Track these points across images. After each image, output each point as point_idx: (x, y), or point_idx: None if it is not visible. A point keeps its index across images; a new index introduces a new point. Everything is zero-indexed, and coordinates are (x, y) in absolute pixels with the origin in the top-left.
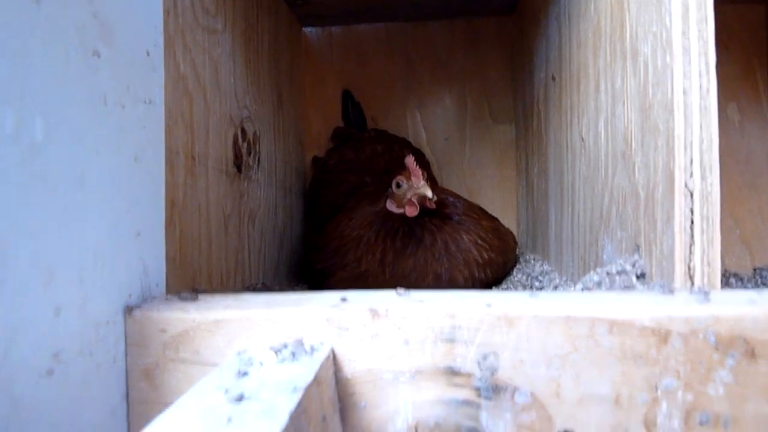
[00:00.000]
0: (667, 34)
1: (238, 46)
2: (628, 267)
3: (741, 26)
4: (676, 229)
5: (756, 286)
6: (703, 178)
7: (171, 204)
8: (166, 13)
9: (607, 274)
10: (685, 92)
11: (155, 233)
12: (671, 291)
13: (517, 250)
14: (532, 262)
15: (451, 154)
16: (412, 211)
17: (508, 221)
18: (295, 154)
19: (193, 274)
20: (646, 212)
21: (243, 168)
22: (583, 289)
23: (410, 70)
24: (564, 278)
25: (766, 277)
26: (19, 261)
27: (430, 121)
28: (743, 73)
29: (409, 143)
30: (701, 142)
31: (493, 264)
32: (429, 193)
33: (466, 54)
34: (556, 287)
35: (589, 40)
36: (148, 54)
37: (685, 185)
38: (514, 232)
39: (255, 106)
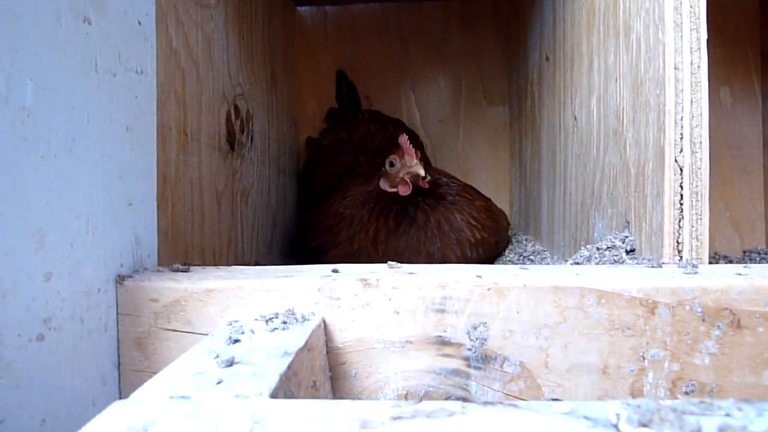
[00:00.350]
0: (659, 10)
1: (231, 22)
2: (618, 242)
3: (735, 10)
4: (666, 203)
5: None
6: (692, 153)
7: (163, 178)
8: None
9: (597, 249)
10: (676, 68)
11: (147, 204)
12: (659, 264)
13: (510, 230)
14: (524, 242)
15: (445, 135)
16: (405, 190)
17: (501, 203)
18: (289, 134)
19: (186, 249)
20: (637, 188)
21: (236, 145)
22: (573, 264)
23: (405, 51)
24: (555, 257)
25: (755, 260)
26: (9, 225)
27: (424, 103)
28: (736, 57)
29: (403, 124)
30: (691, 117)
31: (485, 243)
32: (421, 172)
33: (461, 35)
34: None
35: (583, 18)
36: (139, 23)
37: (675, 160)
38: (507, 214)
39: (248, 84)
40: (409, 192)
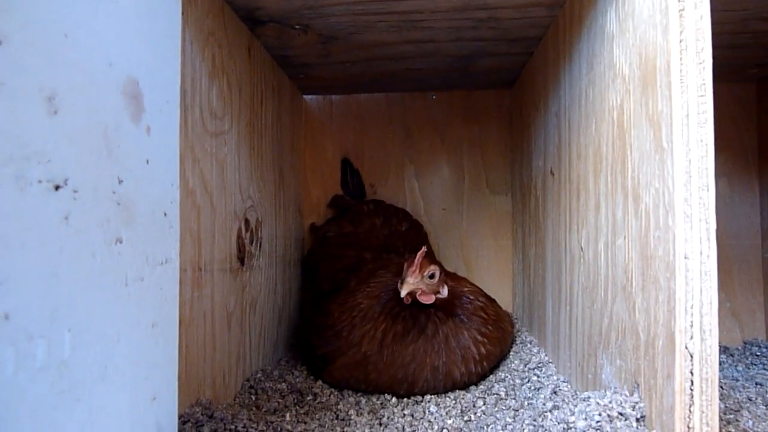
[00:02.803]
0: (669, 197)
1: (243, 138)
2: (629, 410)
3: (733, 103)
4: (677, 388)
5: (746, 358)
6: (702, 340)
7: (179, 323)
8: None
9: (609, 416)
10: (686, 257)
11: (170, 392)
12: None
13: (515, 328)
14: (529, 345)
15: (447, 223)
16: (407, 299)
17: (504, 291)
18: (295, 225)
19: (198, 385)
20: (646, 356)
21: (246, 259)
22: None
23: (409, 140)
24: (562, 377)
25: (755, 352)
26: None
27: (427, 191)
28: (735, 149)
29: (408, 214)
30: (701, 306)
31: (490, 356)
32: (402, 292)
33: (465, 125)
34: (555, 391)
35: (590, 158)
36: (165, 215)
37: (686, 347)
38: (510, 301)
39: (258, 192)
40: (408, 302)
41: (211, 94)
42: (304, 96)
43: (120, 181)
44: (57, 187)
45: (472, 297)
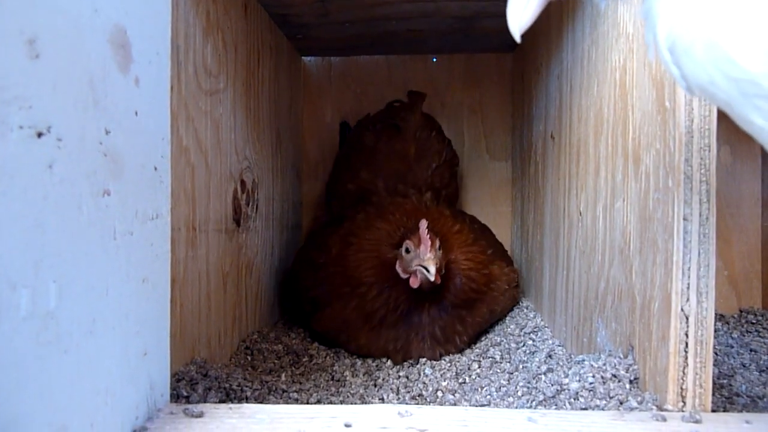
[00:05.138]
0: (670, 158)
1: (239, 98)
2: (622, 371)
3: None
4: (671, 350)
5: (741, 326)
6: (699, 303)
7: (172, 282)
8: (170, 89)
9: (602, 378)
10: (685, 219)
11: (161, 348)
12: (663, 418)
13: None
14: (525, 310)
15: None
16: (414, 282)
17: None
18: (292, 188)
19: (193, 344)
20: (642, 319)
21: (242, 220)
22: (577, 396)
23: None
24: (557, 341)
25: (750, 320)
26: (33, 426)
27: None
28: None
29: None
30: (699, 268)
31: (477, 325)
32: (432, 272)
33: (465, 89)
34: (549, 355)
35: (591, 119)
36: (155, 169)
37: (681, 309)
38: None
39: (254, 153)
40: (417, 285)
41: (205, 51)
42: (303, 57)
43: (107, 132)
44: (40, 134)
45: (464, 277)
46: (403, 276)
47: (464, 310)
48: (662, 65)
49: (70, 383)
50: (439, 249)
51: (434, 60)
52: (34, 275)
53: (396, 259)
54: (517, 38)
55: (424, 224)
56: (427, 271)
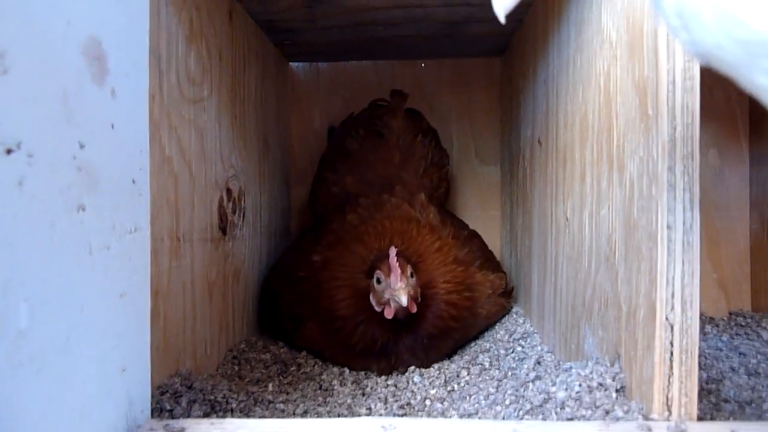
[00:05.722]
0: (653, 166)
1: (225, 105)
2: (609, 380)
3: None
4: (656, 360)
5: (730, 329)
6: (683, 311)
7: (155, 293)
8: (151, 98)
9: (588, 387)
10: (669, 227)
11: (141, 363)
12: (649, 428)
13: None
14: (515, 316)
15: None
16: (389, 313)
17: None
18: (280, 195)
19: (177, 355)
20: (627, 327)
21: (228, 229)
22: (564, 405)
23: None
24: (546, 348)
25: (740, 322)
26: None
27: None
28: (725, 119)
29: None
30: (683, 276)
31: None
32: (403, 300)
33: (454, 93)
34: (538, 362)
35: (576, 125)
36: (134, 182)
37: (666, 318)
38: None
39: (240, 160)
40: (391, 316)
41: (188, 59)
42: (290, 63)
43: (81, 146)
44: (9, 151)
45: (443, 302)
46: (377, 309)
47: (440, 339)
48: (670, 32)
49: (44, 403)
50: (412, 276)
51: (423, 65)
52: (2, 295)
53: (369, 289)
54: (502, 19)
55: (393, 252)
56: (400, 303)
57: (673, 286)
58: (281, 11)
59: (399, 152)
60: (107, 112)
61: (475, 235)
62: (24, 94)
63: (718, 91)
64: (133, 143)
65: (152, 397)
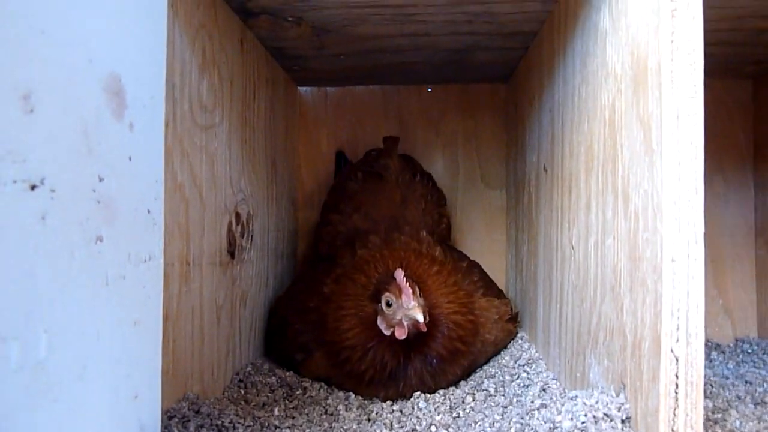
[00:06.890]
0: (658, 199)
1: (235, 131)
2: (614, 410)
3: (729, 99)
4: (662, 391)
5: (736, 356)
6: (688, 344)
7: (165, 319)
8: (165, 126)
9: (594, 417)
10: (673, 260)
11: (153, 391)
12: None
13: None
14: (520, 342)
15: None
16: (401, 333)
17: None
18: (288, 218)
19: (185, 380)
20: (633, 358)
21: (236, 252)
22: None
23: (404, 133)
24: (551, 375)
25: (746, 349)
26: None
27: None
28: (730, 145)
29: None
30: (687, 309)
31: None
32: (419, 317)
33: (460, 118)
34: (543, 389)
35: (582, 156)
36: (149, 212)
37: (671, 350)
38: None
39: (249, 185)
40: (404, 336)
41: (201, 86)
42: (299, 88)
43: (101, 179)
44: (33, 187)
45: (450, 323)
46: (387, 332)
47: (449, 362)
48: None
49: (57, 430)
50: (420, 296)
51: (429, 90)
52: (24, 326)
53: (376, 314)
54: None
55: (400, 273)
56: (416, 319)
57: (678, 319)
58: (291, 39)
59: (399, 191)
60: (125, 145)
61: (475, 265)
62: (48, 132)
63: (723, 117)
64: (150, 174)
65: (161, 422)
